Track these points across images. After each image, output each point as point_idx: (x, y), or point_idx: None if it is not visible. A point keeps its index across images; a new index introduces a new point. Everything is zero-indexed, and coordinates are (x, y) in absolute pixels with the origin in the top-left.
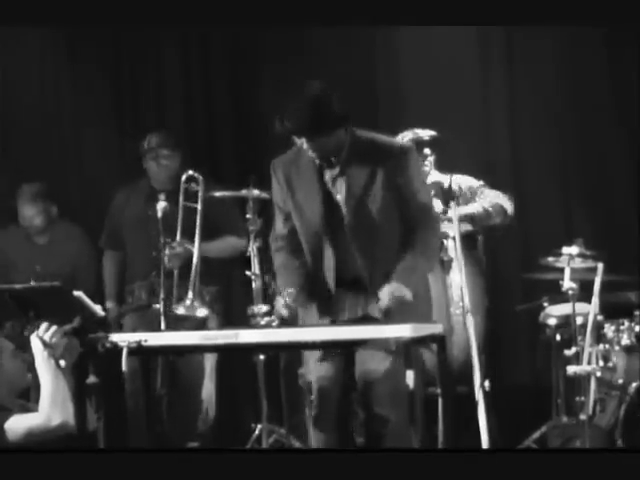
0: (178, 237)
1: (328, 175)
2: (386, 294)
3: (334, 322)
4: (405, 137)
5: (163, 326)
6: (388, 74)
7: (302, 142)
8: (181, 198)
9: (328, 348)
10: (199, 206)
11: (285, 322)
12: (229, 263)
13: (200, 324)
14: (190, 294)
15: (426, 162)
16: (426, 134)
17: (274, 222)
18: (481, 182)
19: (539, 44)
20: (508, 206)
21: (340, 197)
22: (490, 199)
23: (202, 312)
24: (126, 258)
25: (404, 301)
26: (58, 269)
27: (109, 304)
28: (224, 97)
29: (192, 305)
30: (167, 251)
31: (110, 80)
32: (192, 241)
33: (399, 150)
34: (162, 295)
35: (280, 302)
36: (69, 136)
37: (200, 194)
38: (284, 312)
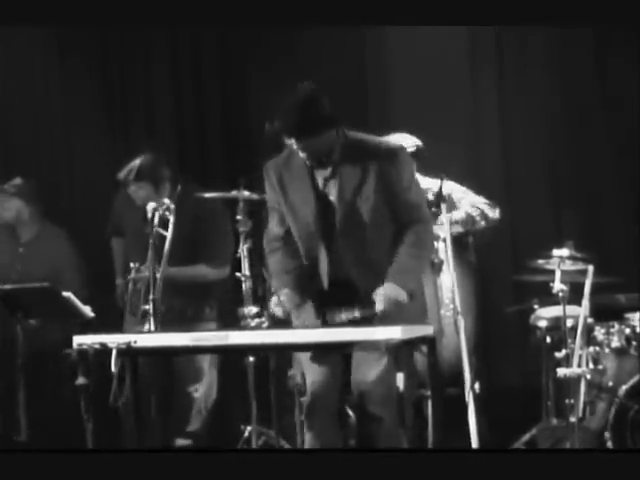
0: (148, 260)
1: (320, 176)
2: (381, 297)
3: (326, 323)
4: None
5: (152, 327)
6: (378, 74)
7: (292, 143)
8: (151, 225)
9: (318, 350)
10: (169, 235)
11: (276, 323)
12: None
13: None
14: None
15: None
16: (411, 144)
17: (268, 224)
18: (464, 188)
19: (529, 43)
20: (489, 211)
21: (333, 198)
22: (471, 204)
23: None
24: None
25: (399, 303)
26: (39, 269)
27: (118, 281)
28: (214, 97)
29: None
30: (132, 274)
31: (99, 80)
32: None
33: (390, 151)
34: (152, 296)
35: (274, 302)
36: (58, 136)
37: (171, 221)
38: (278, 312)
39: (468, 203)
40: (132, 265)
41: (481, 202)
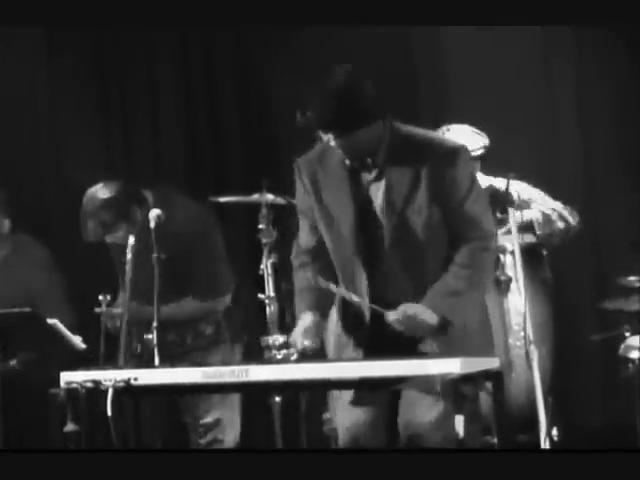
0: (124, 294)
1: (363, 179)
2: (399, 312)
3: (368, 356)
4: None
5: (157, 361)
6: (432, 68)
7: (329, 139)
8: (128, 251)
9: (359, 388)
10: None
11: (306, 356)
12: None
13: None
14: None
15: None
16: (477, 145)
17: (298, 233)
18: (538, 190)
19: (610, 43)
20: (568, 215)
21: (377, 207)
22: (548, 205)
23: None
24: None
25: (422, 325)
26: (7, 292)
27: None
28: (229, 93)
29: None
30: (103, 308)
31: (95, 82)
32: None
33: (448, 150)
34: (155, 324)
35: (299, 332)
36: (46, 142)
37: (130, 243)
38: (303, 344)
39: (543, 203)
40: (101, 297)
41: (559, 206)
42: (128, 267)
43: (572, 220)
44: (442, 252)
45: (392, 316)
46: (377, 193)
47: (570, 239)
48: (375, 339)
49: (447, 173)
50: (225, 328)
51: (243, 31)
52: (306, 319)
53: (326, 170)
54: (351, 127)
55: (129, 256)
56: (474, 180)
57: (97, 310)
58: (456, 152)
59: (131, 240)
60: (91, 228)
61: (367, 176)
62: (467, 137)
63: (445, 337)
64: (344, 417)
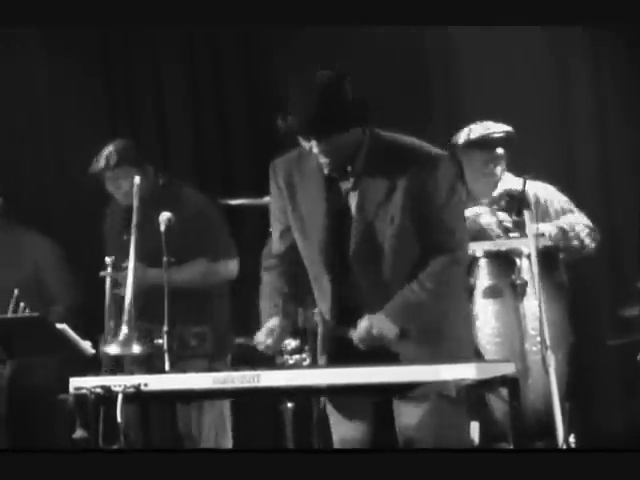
0: (131, 258)
1: (342, 187)
2: (362, 327)
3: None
4: (473, 132)
5: (167, 367)
6: (444, 69)
7: (311, 145)
8: (135, 204)
9: (375, 394)
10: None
11: (268, 356)
12: (218, 295)
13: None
14: (125, 328)
15: (498, 167)
16: (499, 129)
17: (272, 235)
18: (566, 199)
19: (624, 43)
20: (587, 237)
21: (352, 215)
22: (570, 221)
23: (137, 349)
24: None
25: (383, 338)
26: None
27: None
28: (237, 93)
29: (127, 340)
30: (109, 270)
31: (100, 81)
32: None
33: (428, 158)
34: (166, 327)
35: (262, 332)
36: (47, 142)
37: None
38: (265, 343)
39: (567, 220)
40: (108, 259)
41: (583, 223)
42: (133, 229)
43: (589, 241)
44: (410, 262)
45: (355, 336)
46: (352, 201)
47: (581, 258)
48: (341, 352)
49: (428, 180)
50: (210, 343)
51: (253, 30)
52: (271, 321)
53: (303, 174)
54: (329, 132)
55: (135, 219)
56: (454, 189)
57: (102, 273)
58: (438, 159)
59: (135, 202)
60: (105, 154)
61: (346, 184)
62: (486, 126)
63: (406, 346)
64: (336, 432)
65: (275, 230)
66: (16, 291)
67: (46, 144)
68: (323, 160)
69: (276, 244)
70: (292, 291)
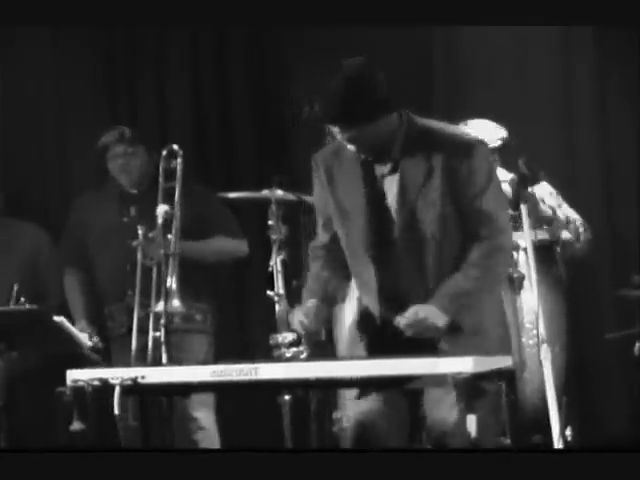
0: (158, 228)
1: (377, 173)
2: (409, 315)
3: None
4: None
5: (165, 359)
6: (448, 65)
7: (336, 132)
8: (161, 179)
9: (369, 386)
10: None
11: (300, 337)
12: (222, 276)
13: None
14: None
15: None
16: (495, 137)
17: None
18: (556, 193)
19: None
20: (581, 226)
21: (390, 202)
22: (568, 213)
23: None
24: (97, 276)
25: (432, 328)
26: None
27: (81, 324)
28: (240, 85)
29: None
30: (141, 240)
31: (102, 75)
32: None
33: (464, 143)
34: (163, 321)
35: (299, 310)
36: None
37: (179, 170)
38: (299, 320)
39: (566, 212)
40: (140, 231)
41: (575, 216)
42: (177, 205)
43: (582, 233)
44: (454, 250)
45: (402, 321)
46: (391, 187)
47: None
48: (386, 343)
49: (463, 167)
50: (212, 321)
51: (256, 26)
52: (309, 302)
53: (341, 164)
54: (359, 120)
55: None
56: (491, 175)
57: (134, 243)
58: (474, 145)
59: (179, 173)
60: (117, 130)
61: (382, 169)
62: (485, 129)
63: (456, 339)
64: (350, 410)
65: (319, 222)
66: (16, 286)
67: (46, 144)
68: (351, 147)
69: (320, 235)
70: (333, 279)
